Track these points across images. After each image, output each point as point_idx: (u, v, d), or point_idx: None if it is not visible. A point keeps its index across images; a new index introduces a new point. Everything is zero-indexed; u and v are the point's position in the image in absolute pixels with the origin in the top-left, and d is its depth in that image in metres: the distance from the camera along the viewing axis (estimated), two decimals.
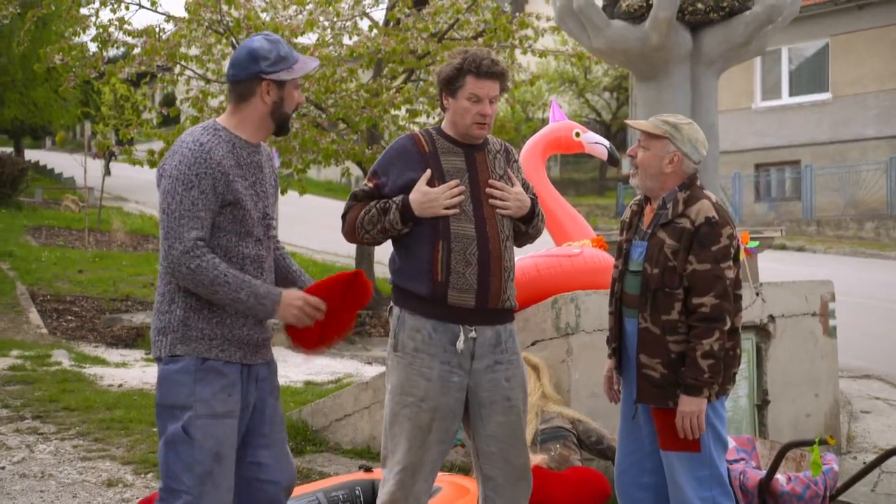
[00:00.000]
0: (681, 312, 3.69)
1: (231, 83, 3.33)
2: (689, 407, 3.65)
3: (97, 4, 11.55)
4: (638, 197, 3.99)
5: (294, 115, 12.28)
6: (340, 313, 3.39)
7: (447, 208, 3.57)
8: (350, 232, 3.74)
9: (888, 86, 22.14)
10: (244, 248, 3.28)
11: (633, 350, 3.81)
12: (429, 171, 3.60)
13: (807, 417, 6.22)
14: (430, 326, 3.63)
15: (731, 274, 3.70)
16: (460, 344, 3.62)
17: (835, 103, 22.95)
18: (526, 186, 3.84)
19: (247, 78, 3.26)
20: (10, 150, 28.23)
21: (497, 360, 3.69)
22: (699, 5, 7.07)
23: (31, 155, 39.03)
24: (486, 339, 3.68)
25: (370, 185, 3.71)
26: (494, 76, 3.64)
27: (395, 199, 3.62)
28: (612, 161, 6.09)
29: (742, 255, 4.74)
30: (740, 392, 5.90)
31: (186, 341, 3.21)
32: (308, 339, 3.37)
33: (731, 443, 5.12)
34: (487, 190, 3.64)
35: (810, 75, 23.63)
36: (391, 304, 3.80)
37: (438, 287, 3.61)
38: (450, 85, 3.66)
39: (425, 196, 3.57)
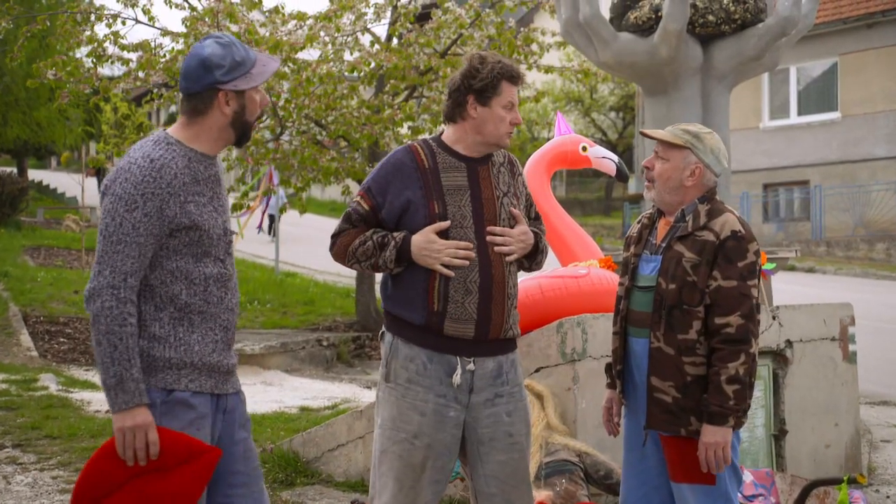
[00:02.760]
0: (699, 332, 3.41)
1: (184, 96, 3.02)
2: (714, 437, 3.35)
3: (93, 19, 11.35)
4: (648, 211, 3.70)
5: (294, 134, 12.03)
6: (149, 489, 2.87)
7: (445, 266, 3.30)
8: (339, 256, 3.47)
9: None
10: (204, 269, 2.98)
11: (643, 373, 3.52)
12: (446, 223, 3.32)
13: (826, 448, 5.91)
14: (425, 356, 3.34)
15: (755, 293, 3.43)
16: (457, 378, 3.33)
17: (844, 123, 22.70)
18: (529, 203, 3.57)
19: (202, 90, 2.97)
20: (9, 169, 28.10)
21: (497, 393, 3.39)
22: (710, 17, 6.86)
23: (35, 175, 38.97)
24: (486, 371, 3.38)
25: (365, 206, 3.42)
26: (520, 81, 3.43)
27: (395, 235, 3.35)
28: (621, 177, 5.80)
29: None
30: (757, 421, 5.60)
31: (152, 372, 2.91)
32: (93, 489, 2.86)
33: (749, 477, 4.82)
34: (488, 238, 3.36)
35: (819, 94, 23.40)
36: (383, 329, 3.51)
37: (434, 317, 3.33)
38: (485, 93, 3.37)
39: (429, 244, 3.30)
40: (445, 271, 3.30)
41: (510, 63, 3.43)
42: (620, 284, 3.65)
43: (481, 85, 3.36)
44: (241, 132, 3.04)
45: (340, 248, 3.45)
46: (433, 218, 3.33)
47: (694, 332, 3.41)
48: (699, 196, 3.54)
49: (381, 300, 3.49)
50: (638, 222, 3.72)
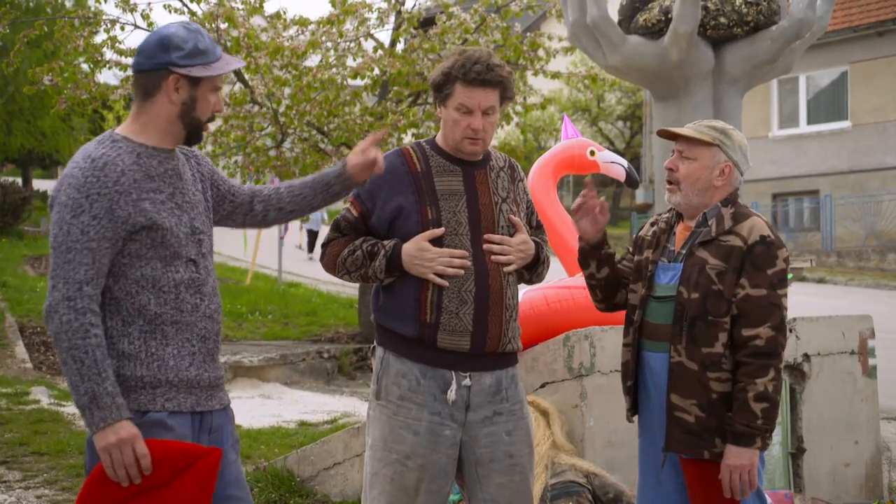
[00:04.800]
0: (725, 345, 3.15)
1: (135, 74, 2.77)
2: (740, 460, 3.09)
3: (91, 23, 11.17)
4: (665, 214, 3.44)
5: (295, 141, 11.82)
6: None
7: (439, 276, 3.07)
8: (329, 266, 3.26)
9: None
10: (174, 274, 2.73)
11: (660, 390, 3.25)
12: (440, 230, 3.11)
13: (846, 467, 5.66)
14: (418, 371, 3.11)
15: (786, 303, 3.19)
16: (451, 394, 3.10)
17: (854, 132, 22.47)
18: (530, 211, 3.34)
19: (152, 68, 2.71)
20: (12, 178, 28.02)
21: (496, 411, 3.16)
22: (722, 20, 6.65)
23: (40, 185, 38.92)
24: (484, 386, 3.15)
25: (354, 213, 3.21)
26: (489, 84, 3.10)
27: (385, 243, 3.13)
28: (631, 182, 5.55)
29: None
30: (773, 439, 5.34)
31: (125, 393, 2.66)
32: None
33: (768, 500, 4.57)
34: (485, 247, 3.13)
35: (829, 103, 23.18)
36: (374, 343, 3.28)
37: (427, 329, 3.10)
38: (439, 92, 3.16)
39: (420, 253, 3.08)
40: (439, 280, 3.08)
41: (474, 64, 3.08)
42: (632, 291, 3.39)
43: (433, 84, 3.16)
44: (189, 128, 2.79)
45: (330, 259, 3.25)
46: (426, 224, 3.11)
47: (720, 346, 3.15)
48: (723, 198, 3.30)
49: (372, 312, 3.27)
50: (652, 224, 3.45)
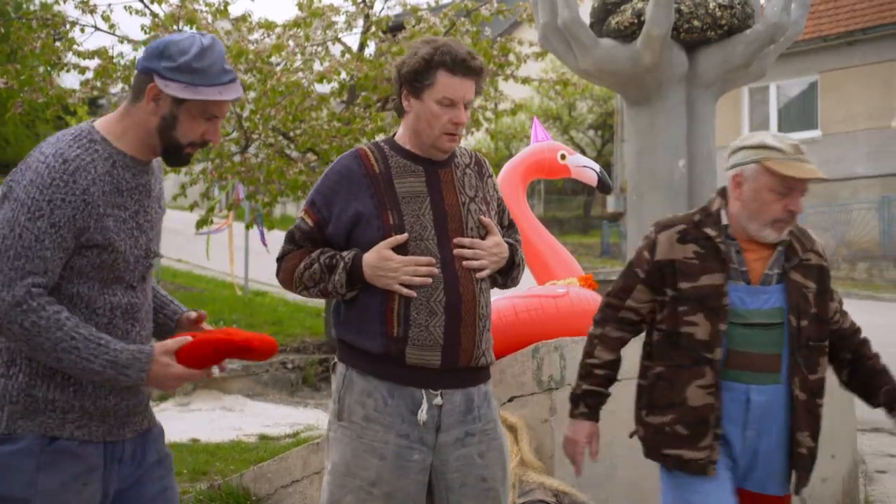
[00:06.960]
0: (825, 368, 3.11)
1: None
2: None
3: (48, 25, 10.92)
4: (690, 229, 3.08)
5: (260, 147, 11.56)
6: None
7: (404, 285, 2.83)
8: (286, 283, 3.00)
9: (879, 123, 21.72)
10: (111, 297, 2.50)
11: (774, 426, 3.03)
12: (403, 237, 2.86)
13: (822, 482, 5.49)
14: (386, 390, 2.87)
15: None
16: (422, 414, 2.86)
17: (825, 141, 22.52)
18: (502, 209, 3.12)
19: (141, 70, 2.51)
20: None
21: (468, 432, 2.93)
22: (695, 23, 6.52)
23: None
24: (455, 405, 2.91)
25: (309, 222, 2.95)
26: (473, 73, 2.89)
27: (344, 254, 2.88)
28: (603, 187, 5.36)
29: None
30: None
31: (31, 415, 2.42)
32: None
33: None
34: (456, 251, 2.89)
35: (799, 112, 23.25)
36: (334, 359, 3.03)
37: (394, 343, 2.85)
38: (415, 82, 2.88)
39: (383, 262, 2.83)
40: (406, 291, 2.83)
41: (458, 50, 2.88)
42: (692, 324, 3.00)
43: (408, 72, 2.88)
44: (166, 146, 2.54)
45: (286, 274, 2.99)
46: (387, 231, 2.87)
47: (823, 370, 3.08)
48: None
49: (333, 326, 3.02)
50: (681, 241, 3.05)
